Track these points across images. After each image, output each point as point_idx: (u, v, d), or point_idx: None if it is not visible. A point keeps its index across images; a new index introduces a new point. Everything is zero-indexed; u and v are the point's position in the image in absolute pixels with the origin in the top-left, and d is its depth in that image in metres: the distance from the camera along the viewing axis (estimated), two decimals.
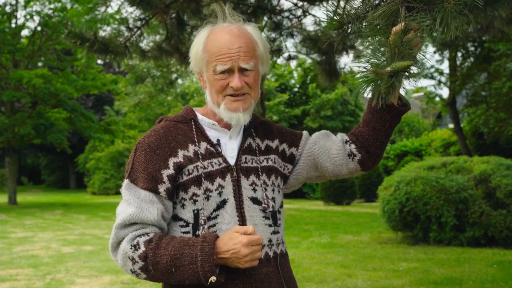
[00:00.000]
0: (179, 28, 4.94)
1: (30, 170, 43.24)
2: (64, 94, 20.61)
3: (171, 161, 1.62)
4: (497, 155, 12.33)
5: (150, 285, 6.05)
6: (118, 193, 27.44)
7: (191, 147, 1.65)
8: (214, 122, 1.70)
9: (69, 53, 24.39)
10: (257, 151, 1.74)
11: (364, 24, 1.49)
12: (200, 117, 1.72)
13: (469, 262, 7.01)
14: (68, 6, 20.91)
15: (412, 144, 20.30)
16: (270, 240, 1.67)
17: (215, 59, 1.62)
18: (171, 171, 1.61)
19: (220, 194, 1.63)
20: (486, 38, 11.61)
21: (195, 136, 1.68)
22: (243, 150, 1.71)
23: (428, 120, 25.70)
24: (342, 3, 1.62)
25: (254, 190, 1.68)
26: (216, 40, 1.64)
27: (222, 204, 1.63)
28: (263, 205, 1.67)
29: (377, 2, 1.50)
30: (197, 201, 1.62)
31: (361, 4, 1.53)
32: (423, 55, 1.39)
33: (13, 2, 21.10)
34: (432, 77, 17.04)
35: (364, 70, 1.33)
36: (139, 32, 4.90)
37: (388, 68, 1.29)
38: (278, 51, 6.73)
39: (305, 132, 1.88)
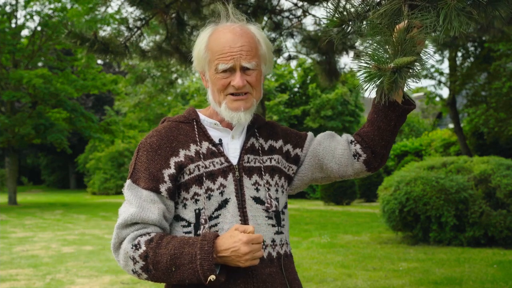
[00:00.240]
0: (179, 28, 4.94)
1: (30, 170, 43.25)
2: (64, 94, 20.62)
3: (172, 161, 1.62)
4: (497, 155, 12.34)
5: (150, 285, 6.05)
6: (118, 193, 27.48)
7: (193, 147, 1.65)
8: (216, 122, 1.70)
9: (69, 53, 24.39)
10: (260, 151, 1.73)
11: (365, 23, 1.49)
12: (202, 117, 1.72)
13: (469, 262, 7.01)
14: (68, 6, 20.91)
15: (412, 144, 20.30)
16: (273, 240, 1.66)
17: (217, 57, 1.62)
18: (172, 170, 1.61)
19: (221, 193, 1.62)
20: (486, 38, 11.61)
21: (196, 135, 1.67)
22: (246, 149, 1.70)
23: (428, 120, 25.72)
24: (342, 2, 1.62)
25: (257, 189, 1.67)
26: (218, 39, 1.64)
27: (224, 204, 1.62)
28: (266, 204, 1.66)
29: (378, 0, 1.50)
30: (198, 200, 1.61)
31: (361, 2, 1.53)
32: (426, 51, 1.38)
33: (13, 2, 21.11)
34: (432, 77, 17.04)
35: (366, 66, 1.32)
36: (139, 32, 4.90)
37: (391, 64, 1.28)
38: (278, 51, 6.73)
39: (310, 133, 1.86)
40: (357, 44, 5.60)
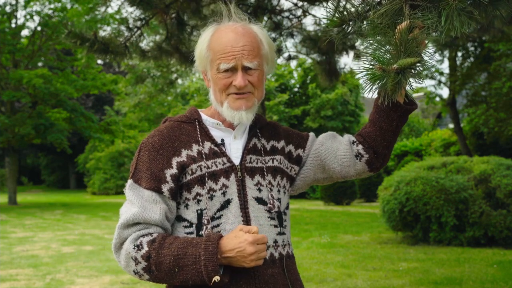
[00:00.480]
0: (179, 28, 4.94)
1: (30, 170, 43.24)
2: (64, 94, 20.62)
3: (175, 161, 1.61)
4: (497, 155, 12.34)
5: (150, 285, 6.05)
6: (118, 193, 27.48)
7: (195, 147, 1.64)
8: (218, 122, 1.69)
9: (69, 53, 24.39)
10: (262, 151, 1.72)
11: (365, 23, 1.49)
12: (204, 117, 1.71)
13: (469, 262, 7.00)
14: (68, 6, 20.91)
15: (412, 144, 20.30)
16: (275, 241, 1.65)
17: (219, 57, 1.61)
18: (174, 170, 1.60)
19: (224, 194, 1.61)
20: (486, 38, 11.62)
21: (199, 136, 1.66)
22: (248, 150, 1.69)
23: (428, 120, 25.72)
24: (342, 2, 1.61)
25: (259, 190, 1.66)
26: (220, 38, 1.63)
27: (226, 204, 1.61)
28: (268, 205, 1.65)
29: (378, 0, 1.50)
30: (200, 201, 1.60)
31: (361, 2, 1.53)
32: (427, 51, 1.38)
33: (13, 2, 21.11)
34: (432, 77, 17.03)
35: (370, 67, 1.31)
36: (139, 32, 4.90)
37: (395, 65, 1.28)
38: (278, 51, 6.73)
39: (311, 134, 1.86)
40: (357, 44, 5.60)
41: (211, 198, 1.60)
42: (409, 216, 8.41)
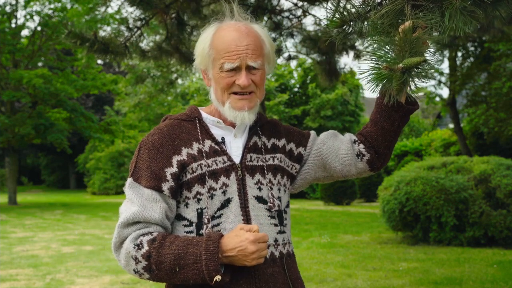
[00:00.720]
0: (179, 28, 4.94)
1: (30, 170, 43.24)
2: (64, 94, 20.61)
3: (175, 159, 1.60)
4: (497, 155, 12.34)
5: (150, 285, 6.05)
6: (118, 193, 27.48)
7: (195, 145, 1.63)
8: (219, 120, 1.68)
9: (69, 53, 24.38)
10: (263, 150, 1.71)
11: (366, 23, 1.48)
12: (204, 115, 1.70)
13: (469, 262, 7.00)
14: (68, 6, 20.90)
15: (412, 144, 20.30)
16: (276, 240, 1.65)
17: (223, 56, 1.60)
18: (174, 169, 1.59)
19: (224, 192, 1.61)
20: (486, 38, 11.61)
21: (199, 134, 1.65)
22: (249, 148, 1.69)
23: (428, 120, 25.73)
24: (342, 2, 1.61)
25: (260, 189, 1.65)
26: (223, 37, 1.61)
27: (226, 203, 1.60)
28: (268, 204, 1.65)
29: (379, 0, 1.49)
30: (201, 200, 1.59)
31: (362, 2, 1.53)
32: (429, 51, 1.38)
33: (13, 2, 21.11)
34: (432, 77, 17.03)
35: (376, 67, 1.31)
36: (139, 32, 4.90)
37: (400, 65, 1.27)
38: (278, 51, 6.73)
39: (313, 132, 1.85)
40: (357, 44, 5.60)
41: (211, 197, 1.59)
42: (409, 216, 8.41)
